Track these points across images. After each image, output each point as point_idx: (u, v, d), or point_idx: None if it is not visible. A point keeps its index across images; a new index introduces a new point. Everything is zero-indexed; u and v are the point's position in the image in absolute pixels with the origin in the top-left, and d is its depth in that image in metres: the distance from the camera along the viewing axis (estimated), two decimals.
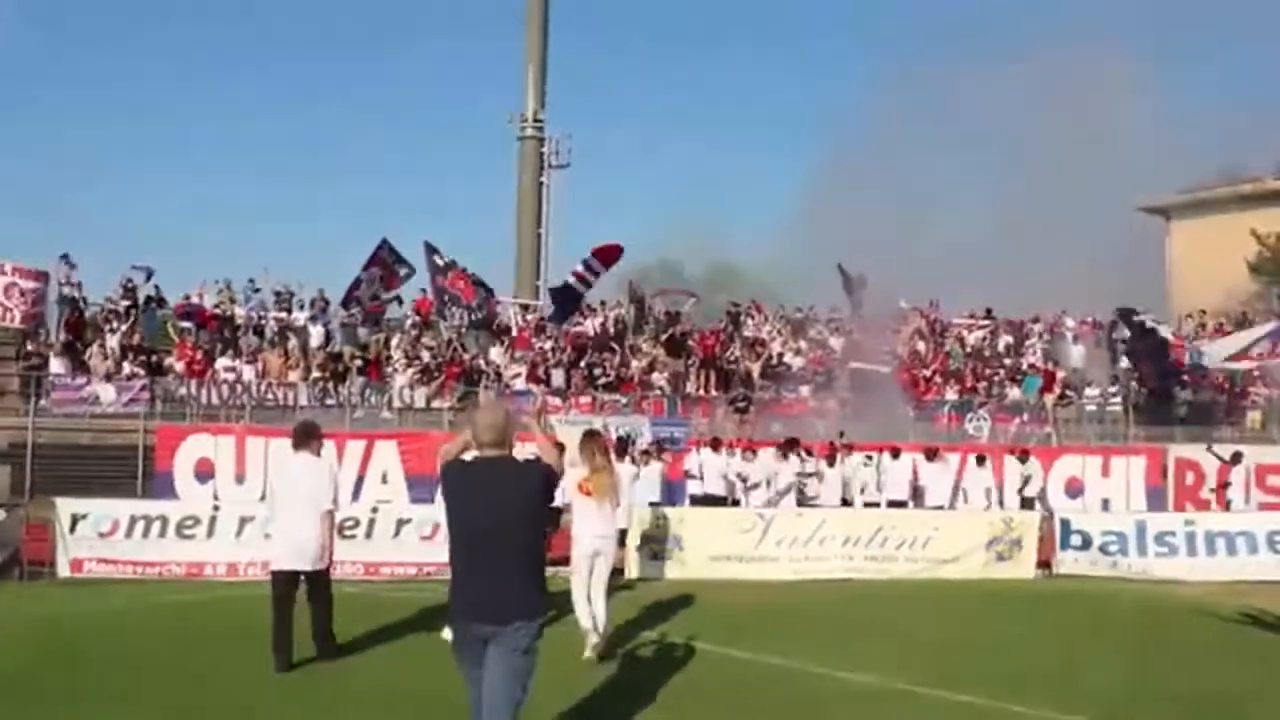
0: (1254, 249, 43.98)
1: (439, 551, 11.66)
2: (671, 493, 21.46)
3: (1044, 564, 18.52)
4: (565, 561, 12.16)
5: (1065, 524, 18.66)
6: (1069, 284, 37.57)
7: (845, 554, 17.74)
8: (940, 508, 21.00)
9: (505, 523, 6.42)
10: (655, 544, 17.43)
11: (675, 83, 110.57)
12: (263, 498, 21.24)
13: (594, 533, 11.54)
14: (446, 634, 7.91)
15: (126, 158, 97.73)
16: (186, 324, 28.64)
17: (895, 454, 22.16)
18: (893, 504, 21.28)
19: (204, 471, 22.79)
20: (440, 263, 28.07)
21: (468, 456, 6.80)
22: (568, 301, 28.08)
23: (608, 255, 27.56)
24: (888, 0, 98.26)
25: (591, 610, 11.40)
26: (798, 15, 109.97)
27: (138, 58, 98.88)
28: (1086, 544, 18.49)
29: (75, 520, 16.34)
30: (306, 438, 10.97)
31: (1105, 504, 24.66)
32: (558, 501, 9.36)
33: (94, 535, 16.35)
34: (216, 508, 16.97)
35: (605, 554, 11.65)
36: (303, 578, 10.64)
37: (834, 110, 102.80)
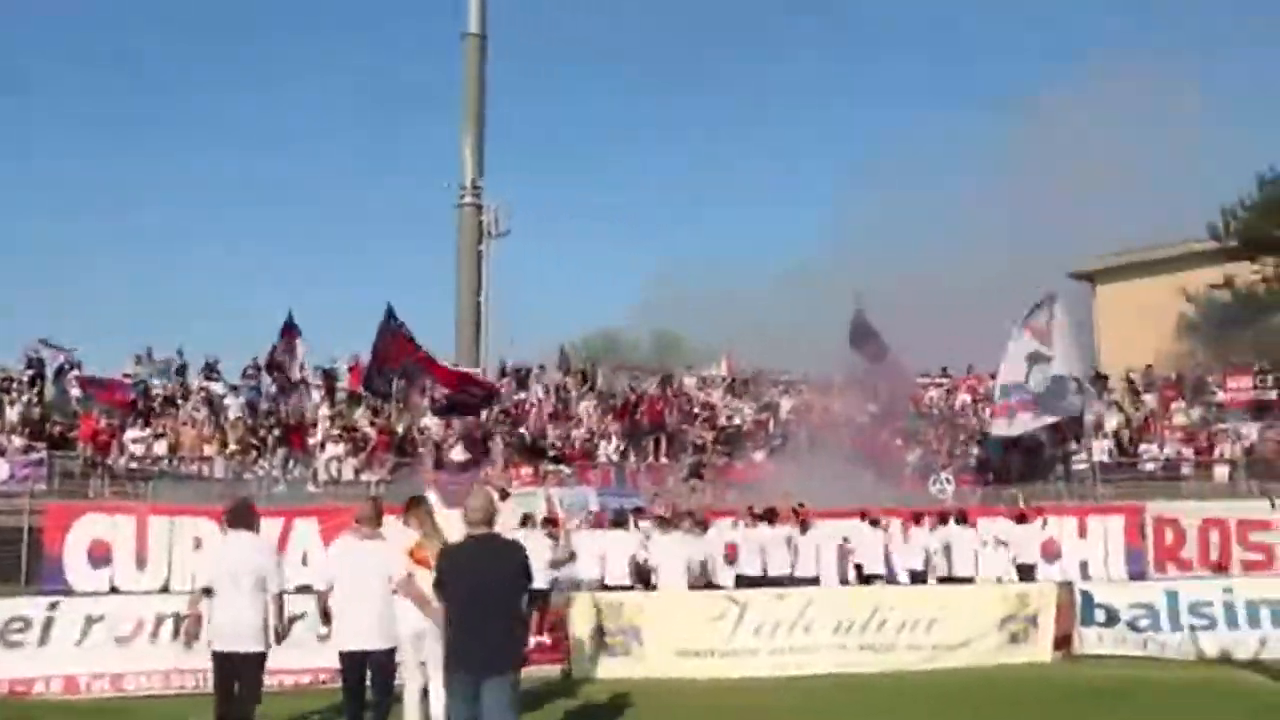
0: (1179, 311, 40.64)
1: (326, 655, 9.90)
2: None
3: (1061, 641, 14.26)
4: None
5: (1087, 597, 14.41)
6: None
7: (837, 642, 13.28)
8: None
9: (492, 590, 7.08)
10: (607, 635, 12.96)
11: (616, 153, 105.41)
12: (164, 588, 17.26)
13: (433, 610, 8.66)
14: None
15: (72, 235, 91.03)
16: (84, 392, 23.93)
17: (874, 522, 17.95)
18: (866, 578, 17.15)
19: (100, 555, 18.15)
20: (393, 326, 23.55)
21: (457, 538, 7.77)
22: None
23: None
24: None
25: (421, 712, 9.29)
26: (745, 73, 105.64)
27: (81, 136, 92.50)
28: (1112, 619, 14.26)
29: None
30: (243, 515, 9.43)
31: (1084, 568, 20.57)
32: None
33: None
34: (54, 605, 12.23)
35: (438, 634, 8.57)
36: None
37: (785, 178, 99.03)
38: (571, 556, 15.69)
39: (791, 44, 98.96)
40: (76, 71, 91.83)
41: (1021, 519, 18.98)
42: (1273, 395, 28.34)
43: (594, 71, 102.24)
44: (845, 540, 18.01)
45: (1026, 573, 17.84)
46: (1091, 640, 14.21)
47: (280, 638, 9.41)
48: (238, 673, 9.29)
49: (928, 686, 12.57)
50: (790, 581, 16.05)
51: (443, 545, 7.76)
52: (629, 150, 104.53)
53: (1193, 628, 14.25)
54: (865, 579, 17.50)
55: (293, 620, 12.11)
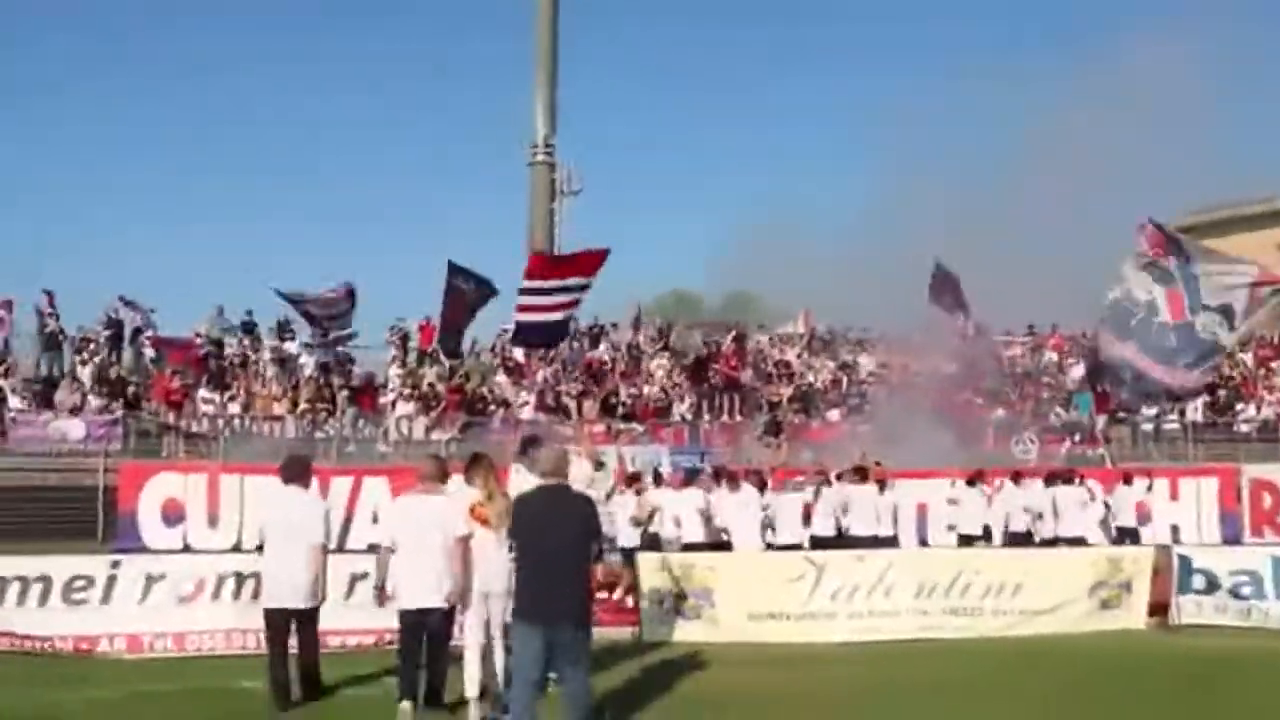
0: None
1: (390, 616, 9.29)
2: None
3: (1157, 609, 13.46)
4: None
5: (1185, 562, 13.57)
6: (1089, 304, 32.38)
7: (918, 607, 12.59)
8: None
9: (560, 541, 7.05)
10: (678, 598, 12.45)
11: (688, 112, 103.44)
12: (236, 547, 17.10)
13: (497, 570, 8.83)
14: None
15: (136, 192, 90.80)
16: (157, 352, 23.85)
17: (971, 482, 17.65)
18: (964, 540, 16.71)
19: (173, 513, 18.09)
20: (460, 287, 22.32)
21: (528, 487, 7.93)
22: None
23: (592, 264, 20.71)
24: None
25: (482, 671, 8.93)
26: (815, 39, 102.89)
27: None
28: (1212, 586, 13.43)
29: None
30: (298, 471, 9.64)
31: (1175, 531, 19.70)
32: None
33: None
34: (115, 564, 12.01)
35: (503, 594, 8.85)
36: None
37: (856, 133, 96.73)
38: (653, 514, 15.32)
39: None
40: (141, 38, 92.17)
41: (1127, 480, 18.23)
42: None
43: (668, 28, 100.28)
44: (952, 501, 17.56)
45: (1130, 536, 17.18)
46: (1189, 608, 13.36)
47: (323, 591, 9.38)
48: (291, 630, 9.28)
49: (1013, 653, 11.91)
50: (874, 542, 15.46)
51: (516, 496, 7.82)
52: (702, 106, 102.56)
53: None
54: (965, 540, 17.10)
55: (356, 579, 12.00)
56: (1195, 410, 25.21)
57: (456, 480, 9.56)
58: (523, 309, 19.72)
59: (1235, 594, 13.36)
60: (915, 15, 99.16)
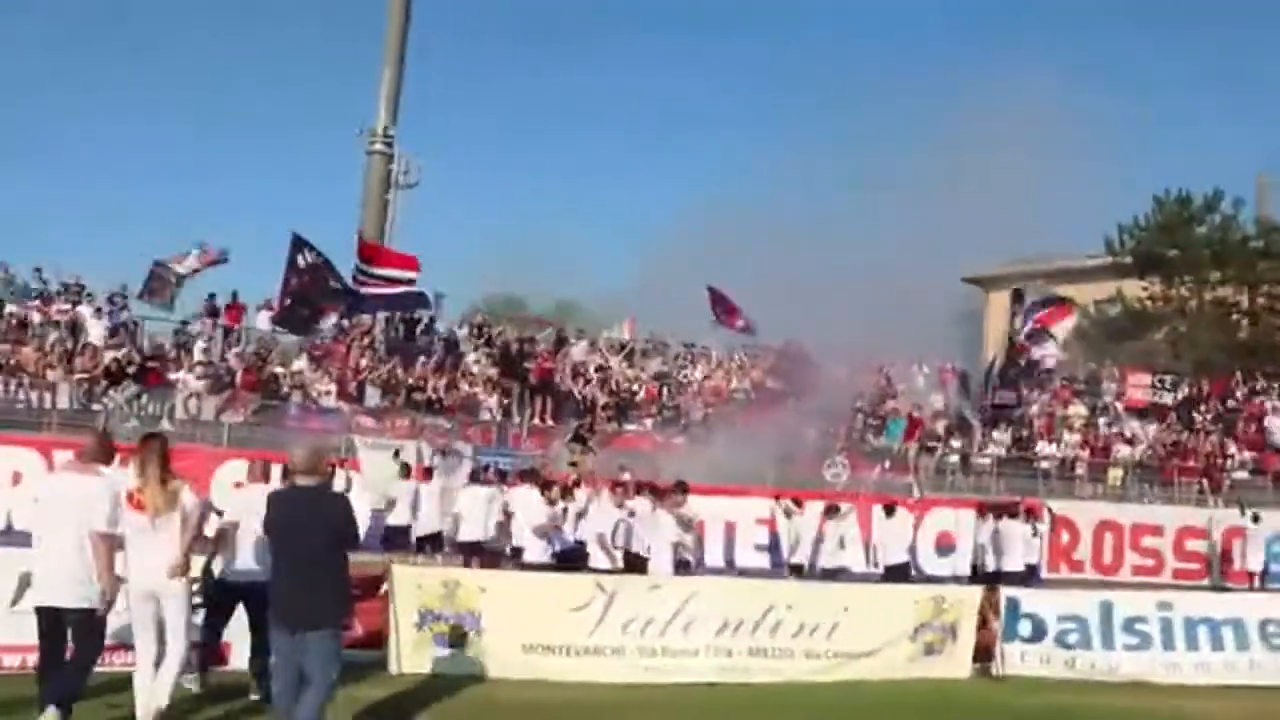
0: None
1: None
2: None
3: (981, 653, 11.05)
4: None
5: (1013, 604, 11.17)
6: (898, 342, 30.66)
7: (721, 645, 9.83)
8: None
9: (310, 542, 6.33)
10: (438, 619, 9.41)
11: (528, 117, 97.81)
12: None
13: (153, 565, 6.92)
14: None
15: None
16: None
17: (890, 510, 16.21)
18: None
19: None
20: (304, 263, 19.21)
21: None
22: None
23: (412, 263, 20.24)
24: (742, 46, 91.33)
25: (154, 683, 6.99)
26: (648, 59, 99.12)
27: None
28: (1040, 633, 11.09)
29: None
30: None
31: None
32: None
33: None
34: None
35: (173, 594, 7.05)
36: None
37: (693, 142, 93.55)
38: (554, 524, 13.19)
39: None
40: None
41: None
42: (1167, 400, 25.87)
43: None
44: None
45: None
46: (1014, 655, 11.03)
47: None
48: None
49: (824, 704, 9.37)
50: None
51: (270, 494, 6.98)
52: (554, 110, 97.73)
53: (1126, 646, 11.19)
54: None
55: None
56: (1000, 446, 23.48)
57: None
58: (362, 283, 19.52)
59: (1062, 642, 11.08)
60: (771, 27, 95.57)
